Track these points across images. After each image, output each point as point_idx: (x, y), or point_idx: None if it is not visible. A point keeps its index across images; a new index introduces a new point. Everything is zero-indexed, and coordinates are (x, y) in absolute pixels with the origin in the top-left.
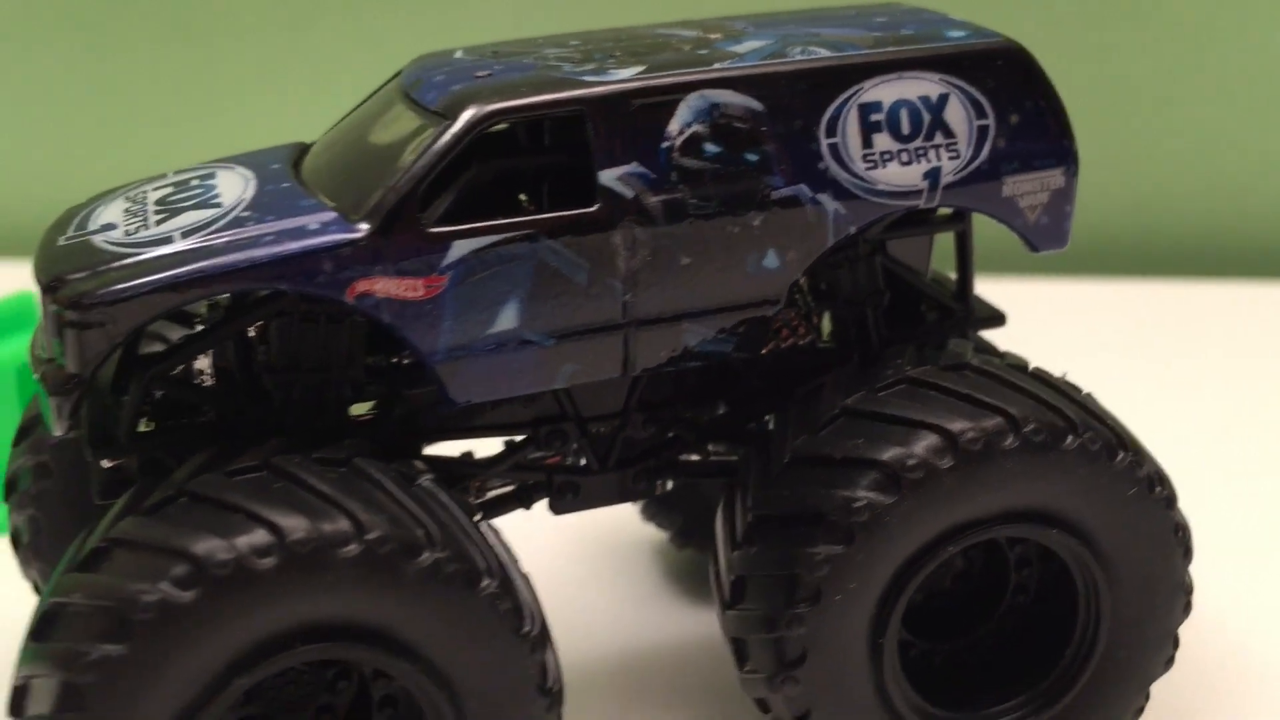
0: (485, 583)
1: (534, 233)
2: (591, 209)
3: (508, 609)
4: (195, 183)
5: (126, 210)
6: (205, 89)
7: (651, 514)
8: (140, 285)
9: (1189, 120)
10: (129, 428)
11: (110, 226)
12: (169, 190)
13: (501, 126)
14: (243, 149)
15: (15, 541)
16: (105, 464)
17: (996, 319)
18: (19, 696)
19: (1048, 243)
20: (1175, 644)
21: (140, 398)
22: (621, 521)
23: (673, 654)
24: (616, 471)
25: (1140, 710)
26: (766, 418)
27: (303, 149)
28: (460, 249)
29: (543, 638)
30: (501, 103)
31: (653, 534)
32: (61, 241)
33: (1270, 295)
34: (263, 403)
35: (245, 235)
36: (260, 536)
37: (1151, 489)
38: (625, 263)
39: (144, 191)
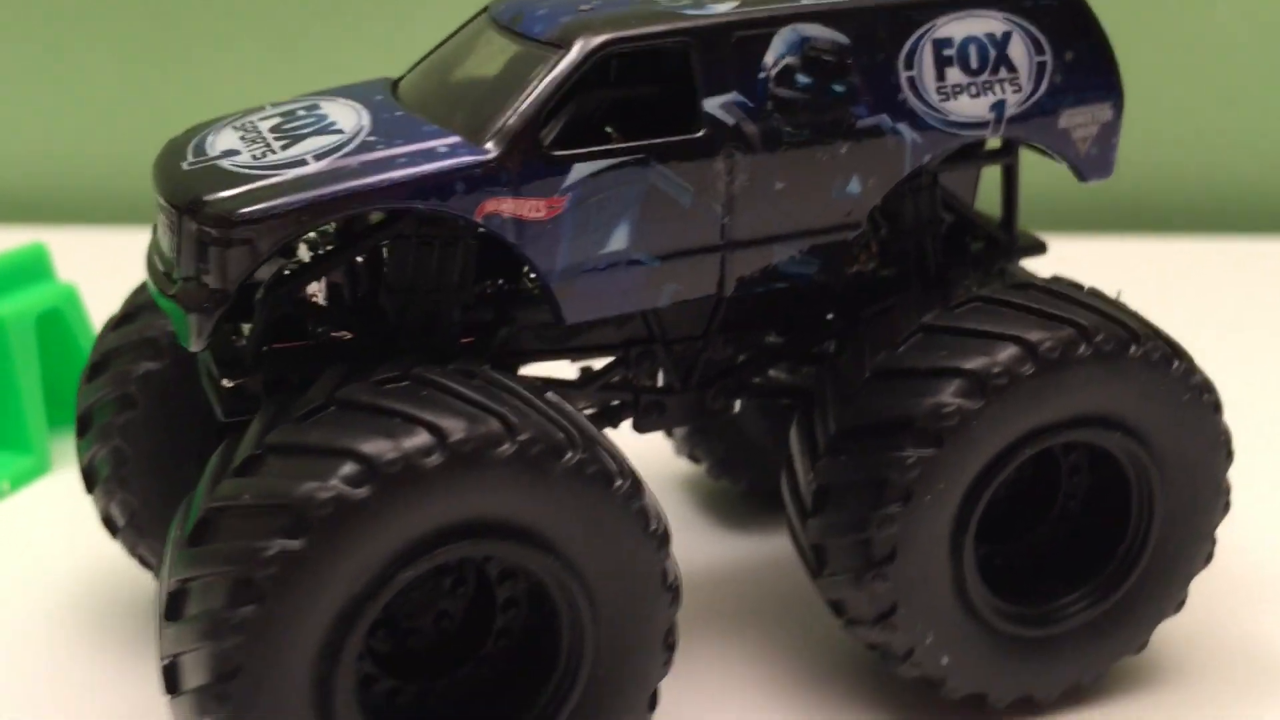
0: (619, 483)
1: (645, 157)
2: (696, 135)
3: (638, 508)
4: (302, 113)
5: (242, 138)
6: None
7: (690, 446)
8: (288, 203)
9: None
10: (255, 347)
11: (233, 152)
12: (278, 120)
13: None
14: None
15: (89, 477)
16: (227, 383)
17: (1039, 247)
18: (177, 600)
19: (1096, 173)
20: (1213, 541)
21: (267, 318)
22: (649, 457)
23: (715, 578)
24: (697, 391)
25: (1182, 603)
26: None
27: (393, 83)
28: (580, 171)
29: (666, 537)
30: (614, 33)
31: (681, 468)
32: (186, 167)
33: None
34: (376, 323)
35: (378, 157)
36: (423, 437)
37: (1201, 395)
38: (725, 187)
39: (251, 121)
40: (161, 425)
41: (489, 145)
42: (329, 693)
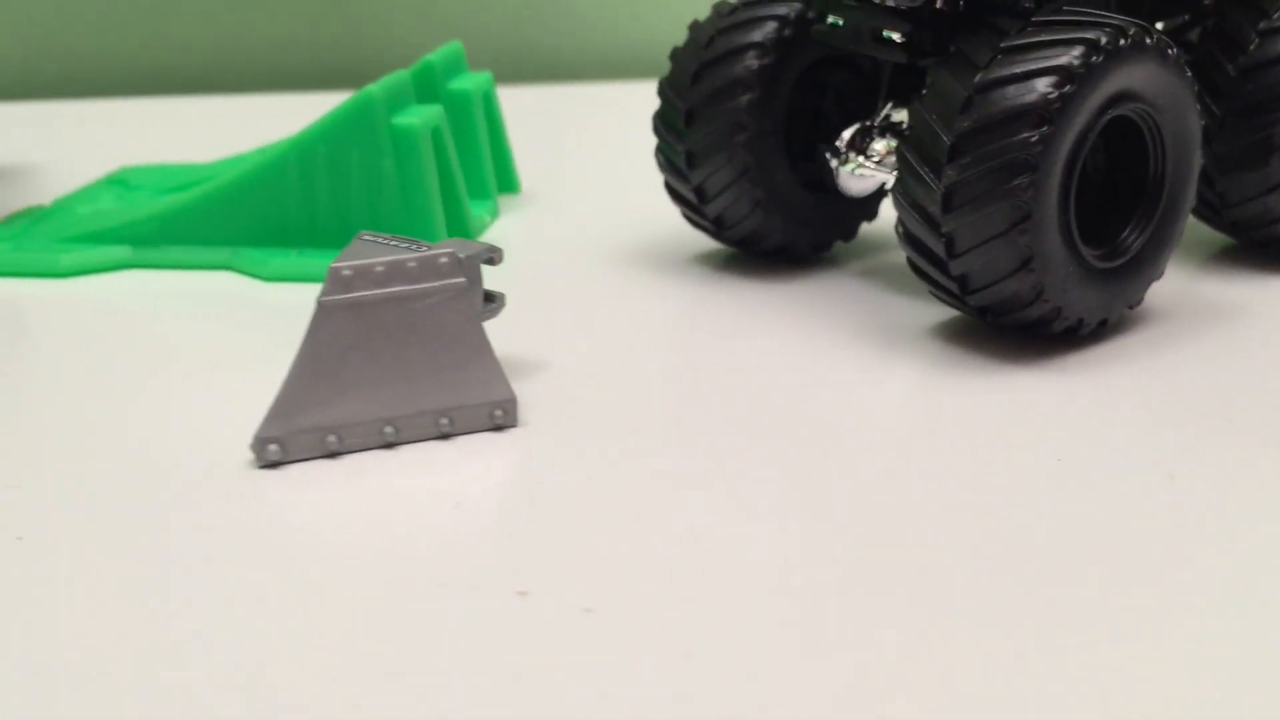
0: (1189, 74)
1: None
2: None
3: (1195, 90)
4: None
5: None
6: None
7: None
8: None
9: None
10: (929, 11)
11: None
12: None
13: None
14: None
15: (691, 157)
16: (898, 39)
17: None
18: (969, 125)
19: None
20: None
21: None
22: None
23: None
24: None
25: None
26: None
27: None
28: None
29: (1200, 113)
30: None
31: None
32: None
33: None
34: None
35: None
36: (1111, 32)
37: None
38: None
39: None
40: (766, 107)
41: None
42: (1068, 196)
